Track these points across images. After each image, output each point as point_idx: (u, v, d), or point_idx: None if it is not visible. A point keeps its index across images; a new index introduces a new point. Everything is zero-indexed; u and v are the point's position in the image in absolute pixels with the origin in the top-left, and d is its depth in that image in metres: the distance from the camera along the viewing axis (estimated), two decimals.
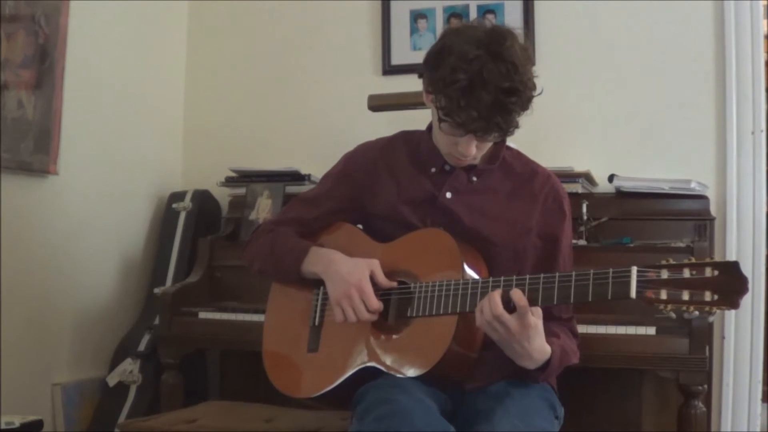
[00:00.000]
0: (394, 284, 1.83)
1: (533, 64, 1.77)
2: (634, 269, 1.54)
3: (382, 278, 1.83)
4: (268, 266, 2.00)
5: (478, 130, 1.71)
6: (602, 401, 2.60)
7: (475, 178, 1.88)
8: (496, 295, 1.64)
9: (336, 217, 2.01)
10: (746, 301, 2.72)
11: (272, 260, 1.98)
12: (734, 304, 1.48)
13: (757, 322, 2.76)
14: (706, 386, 2.28)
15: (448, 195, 1.87)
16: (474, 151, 1.79)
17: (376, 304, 1.80)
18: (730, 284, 1.47)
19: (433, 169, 1.91)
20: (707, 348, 2.23)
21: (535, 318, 1.64)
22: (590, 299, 1.59)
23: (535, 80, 1.74)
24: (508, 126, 1.72)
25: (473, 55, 1.67)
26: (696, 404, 2.23)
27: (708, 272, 1.49)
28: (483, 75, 1.66)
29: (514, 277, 1.66)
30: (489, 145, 1.83)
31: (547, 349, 1.70)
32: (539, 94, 1.75)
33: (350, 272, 1.83)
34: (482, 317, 1.65)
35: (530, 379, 1.77)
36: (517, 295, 1.62)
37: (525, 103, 1.71)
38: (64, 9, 2.80)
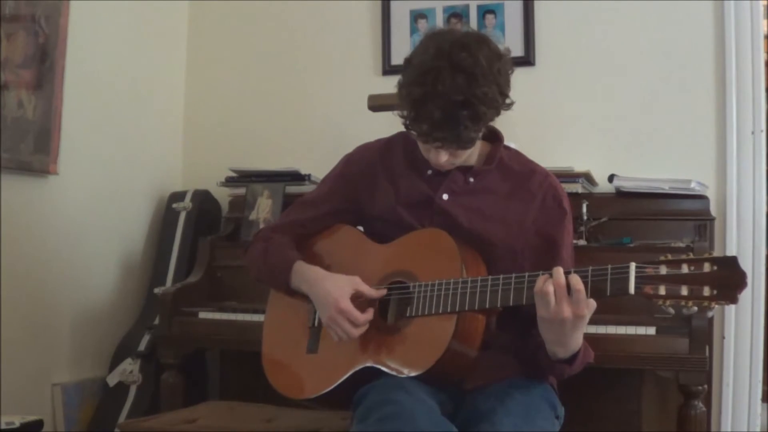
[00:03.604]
0: (384, 292, 1.83)
1: (508, 71, 1.74)
2: (633, 265, 1.54)
3: (368, 290, 1.82)
4: (263, 276, 2.01)
5: (436, 141, 1.72)
6: (602, 401, 2.60)
7: (471, 179, 1.88)
8: (577, 276, 1.59)
9: (335, 218, 2.01)
10: (746, 301, 2.74)
11: (265, 271, 1.99)
12: (733, 299, 1.48)
13: (757, 322, 2.76)
14: (706, 386, 2.28)
15: (445, 196, 1.87)
16: (444, 158, 1.78)
17: (361, 318, 1.79)
18: (729, 279, 1.47)
19: (429, 171, 1.90)
20: (707, 348, 2.23)
21: (588, 310, 1.60)
22: (589, 296, 1.59)
23: (512, 80, 1.73)
24: (462, 139, 1.71)
25: (428, 67, 1.67)
26: (696, 404, 2.23)
27: (706, 267, 1.49)
28: (437, 88, 1.66)
29: (513, 275, 1.67)
30: (465, 152, 1.80)
31: (581, 342, 1.70)
32: (511, 104, 1.74)
33: (329, 294, 1.82)
34: (544, 284, 1.60)
35: (556, 372, 1.77)
36: (575, 280, 1.59)
37: (478, 117, 1.69)
38: (64, 9, 2.80)
